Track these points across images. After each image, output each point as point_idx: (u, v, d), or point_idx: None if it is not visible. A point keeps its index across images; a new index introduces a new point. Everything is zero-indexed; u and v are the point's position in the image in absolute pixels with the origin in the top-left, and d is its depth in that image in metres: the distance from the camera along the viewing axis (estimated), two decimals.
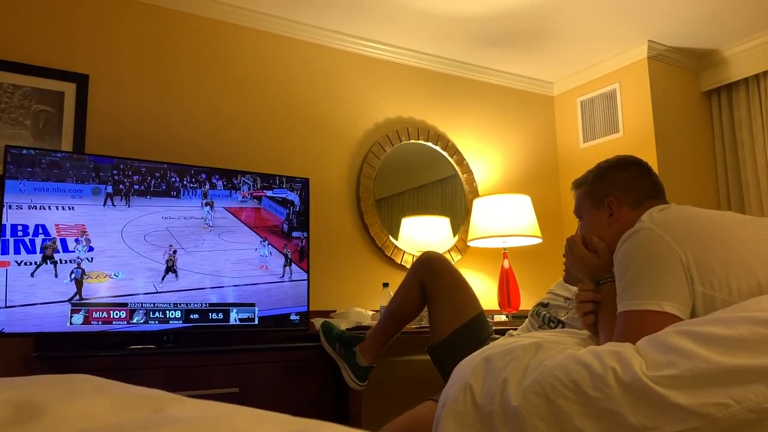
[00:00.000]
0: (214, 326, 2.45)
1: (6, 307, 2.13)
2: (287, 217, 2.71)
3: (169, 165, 2.50)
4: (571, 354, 1.16)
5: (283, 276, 2.64)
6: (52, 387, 0.75)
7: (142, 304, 2.33)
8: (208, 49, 2.98)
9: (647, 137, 3.52)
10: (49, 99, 2.56)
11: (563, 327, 1.73)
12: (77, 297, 2.23)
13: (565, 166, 4.01)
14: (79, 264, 2.25)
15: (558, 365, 1.15)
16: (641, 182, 1.48)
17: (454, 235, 3.48)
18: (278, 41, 3.17)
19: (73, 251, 2.26)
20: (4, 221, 2.17)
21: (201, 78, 2.94)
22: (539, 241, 3.33)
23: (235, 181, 2.62)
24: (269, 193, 2.69)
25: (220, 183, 2.58)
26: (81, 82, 2.62)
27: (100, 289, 2.28)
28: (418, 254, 2.27)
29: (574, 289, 1.57)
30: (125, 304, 2.30)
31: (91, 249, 2.29)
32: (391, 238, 3.30)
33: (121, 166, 2.39)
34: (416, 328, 2.60)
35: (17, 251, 2.17)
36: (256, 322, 2.54)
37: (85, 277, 2.26)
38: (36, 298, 2.17)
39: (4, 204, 2.19)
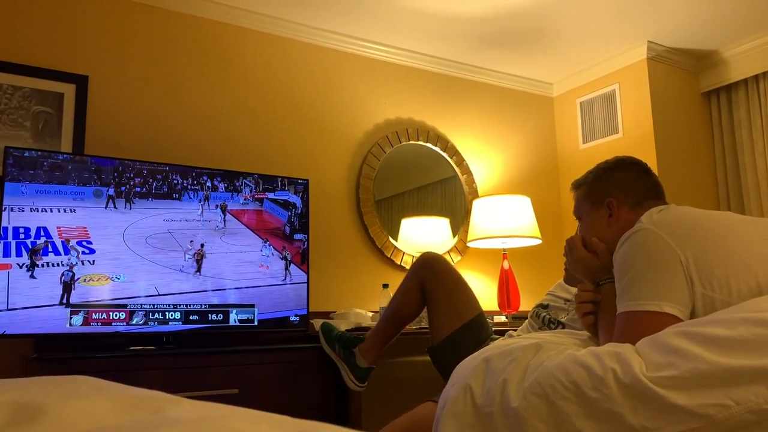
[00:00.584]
0: (214, 327, 2.45)
1: (8, 309, 2.12)
2: (289, 219, 2.71)
3: (171, 167, 2.49)
4: (571, 355, 1.16)
5: (284, 279, 2.63)
6: (51, 388, 0.75)
7: (141, 305, 2.33)
8: (207, 50, 2.98)
9: (647, 138, 3.52)
10: (48, 100, 2.56)
11: (563, 328, 1.73)
12: (65, 300, 2.20)
13: (564, 167, 4.01)
14: (71, 267, 2.23)
15: (558, 366, 1.15)
16: (641, 183, 1.48)
17: (454, 236, 3.48)
18: (278, 42, 3.17)
19: (68, 254, 2.24)
20: (5, 224, 2.16)
21: (200, 79, 2.94)
22: (539, 242, 3.33)
23: (237, 183, 2.61)
24: (271, 195, 2.68)
25: (221, 185, 2.57)
26: (81, 83, 2.62)
27: (100, 291, 2.27)
28: (418, 255, 2.27)
29: (574, 290, 1.57)
30: (125, 305, 2.30)
31: (92, 251, 2.28)
32: (390, 239, 3.30)
33: (121, 168, 2.38)
34: (416, 328, 2.60)
35: (19, 254, 2.17)
36: (256, 323, 2.54)
37: (85, 279, 2.24)
38: (37, 301, 2.17)
39: (4, 206, 2.18)
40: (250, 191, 2.63)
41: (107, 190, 2.34)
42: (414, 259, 2.71)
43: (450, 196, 3.59)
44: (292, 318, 2.62)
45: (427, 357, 2.09)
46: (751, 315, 1.07)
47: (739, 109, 3.63)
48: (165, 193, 2.46)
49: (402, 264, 3.28)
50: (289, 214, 2.71)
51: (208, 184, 2.54)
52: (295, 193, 2.74)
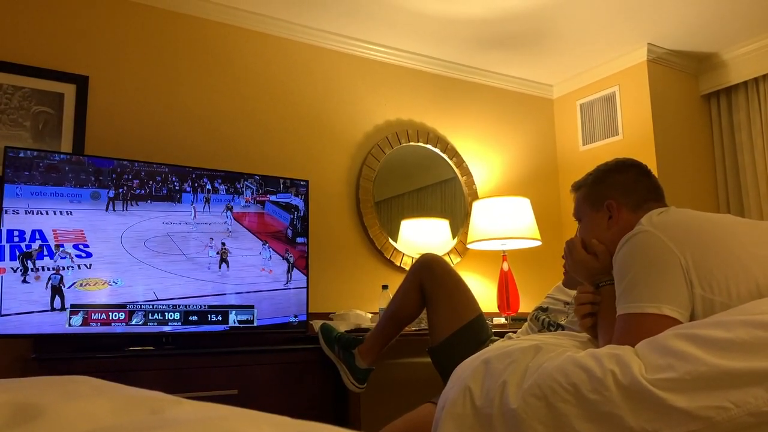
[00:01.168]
0: (213, 328, 2.45)
1: (1, 315, 2.08)
2: (291, 222, 2.68)
3: (170, 168, 2.47)
4: (570, 357, 1.16)
5: (287, 283, 2.62)
6: (50, 388, 0.75)
7: (141, 305, 2.32)
8: (208, 50, 2.98)
9: (647, 140, 3.52)
10: (48, 100, 2.56)
11: (563, 331, 1.73)
12: (58, 305, 2.16)
13: (564, 169, 4.01)
14: (57, 270, 2.18)
15: (557, 368, 1.15)
16: (640, 185, 1.48)
17: (454, 238, 3.48)
18: (278, 43, 3.17)
19: (63, 258, 2.20)
20: (2, 226, 2.13)
21: (201, 80, 2.94)
22: (538, 243, 3.33)
23: (238, 185, 2.59)
24: (273, 197, 2.65)
25: (222, 187, 2.54)
26: (81, 83, 2.62)
27: (97, 297, 2.23)
28: (418, 256, 2.27)
29: (573, 293, 1.57)
30: (124, 306, 2.29)
31: (89, 255, 2.24)
32: (390, 240, 3.30)
33: (119, 170, 2.36)
34: (415, 330, 2.60)
35: (13, 258, 2.13)
36: (255, 324, 2.53)
37: (81, 284, 2.21)
38: (30, 306, 2.12)
39: (3, 208, 2.15)
40: (252, 193, 2.61)
41: (107, 193, 2.31)
42: (414, 261, 2.70)
43: (450, 197, 3.59)
44: (291, 318, 2.61)
45: (427, 358, 2.09)
46: (751, 317, 1.07)
47: (739, 112, 3.64)
48: (164, 195, 2.43)
49: (402, 265, 3.28)
50: (292, 216, 2.68)
51: (208, 186, 2.52)
52: (297, 196, 2.71)
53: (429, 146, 3.52)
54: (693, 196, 3.61)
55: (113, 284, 2.27)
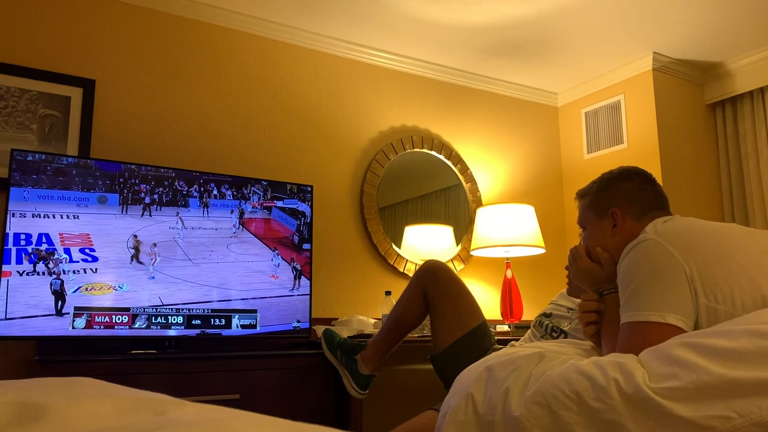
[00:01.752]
0: (216, 332, 2.45)
1: (6, 318, 2.09)
2: (298, 228, 2.67)
3: (178, 173, 2.46)
4: (574, 365, 1.16)
5: (293, 289, 2.61)
6: (54, 389, 0.75)
7: (144, 308, 2.32)
8: (214, 55, 2.99)
9: (651, 149, 3.52)
10: (55, 103, 2.57)
11: (566, 337, 1.73)
12: (60, 308, 2.15)
13: (569, 177, 4.01)
14: (58, 275, 2.17)
15: (560, 376, 1.14)
16: (645, 193, 1.48)
17: (457, 244, 3.48)
18: (285, 49, 3.18)
19: (75, 261, 2.20)
20: (7, 229, 2.14)
21: (206, 84, 2.95)
22: (542, 251, 3.32)
23: (245, 191, 2.58)
24: (280, 203, 2.64)
25: (229, 192, 2.54)
26: (87, 86, 2.64)
27: (102, 302, 2.23)
28: (421, 263, 2.27)
29: (577, 300, 1.57)
30: (127, 309, 2.29)
31: (95, 259, 2.24)
32: (394, 246, 3.30)
33: (126, 174, 2.36)
34: (418, 336, 2.60)
35: (19, 261, 2.13)
36: (258, 329, 2.53)
37: (87, 289, 2.21)
38: (36, 310, 2.12)
39: (9, 211, 2.15)
40: (259, 199, 2.61)
41: (118, 197, 2.31)
42: (417, 267, 2.70)
43: (454, 204, 3.59)
44: (294, 323, 2.61)
45: (429, 365, 2.09)
46: (755, 327, 1.06)
47: (744, 121, 3.63)
48: (171, 200, 2.43)
49: (405, 271, 3.28)
50: (298, 223, 2.68)
51: (215, 192, 2.52)
52: (304, 202, 2.71)
53: (433, 153, 3.52)
54: (698, 205, 3.61)
55: (118, 289, 2.27)
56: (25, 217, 2.17)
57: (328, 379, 2.42)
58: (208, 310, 2.44)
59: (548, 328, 1.82)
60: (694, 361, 1.04)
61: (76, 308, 2.20)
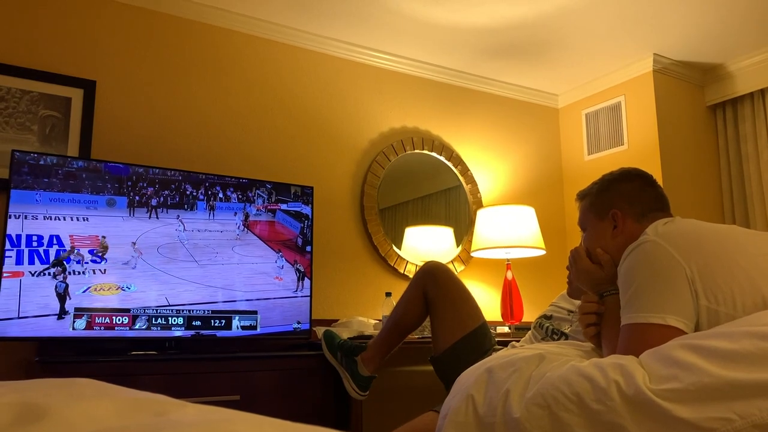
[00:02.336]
0: (211, 333, 2.45)
1: (19, 317, 2.11)
2: (301, 231, 2.69)
3: (184, 176, 2.48)
4: (574, 366, 1.16)
5: (296, 290, 2.63)
6: (55, 390, 0.75)
7: (144, 309, 2.32)
8: (214, 57, 2.99)
9: (652, 150, 3.52)
10: (56, 104, 2.57)
11: (566, 339, 1.72)
12: (61, 311, 2.16)
13: (569, 178, 4.01)
14: (64, 278, 2.19)
15: (561, 377, 1.14)
16: (646, 195, 1.48)
17: (458, 246, 3.48)
18: (286, 50, 3.19)
19: (79, 263, 2.21)
20: (10, 231, 2.14)
21: (207, 85, 2.95)
22: (543, 252, 3.32)
23: (250, 194, 2.60)
24: (284, 206, 2.66)
25: (234, 195, 2.56)
26: (88, 87, 2.64)
27: (110, 302, 2.25)
28: (421, 264, 2.27)
29: (578, 301, 1.57)
30: (128, 310, 2.29)
31: (103, 260, 2.27)
32: (394, 247, 3.30)
33: (134, 178, 2.37)
34: (418, 338, 2.60)
35: (31, 261, 2.15)
36: (258, 330, 2.53)
37: (96, 289, 2.22)
38: (42, 310, 2.15)
39: (9, 214, 2.16)
40: (263, 201, 2.62)
41: (126, 199, 2.33)
42: (417, 268, 2.70)
43: (454, 205, 3.59)
44: (294, 324, 2.61)
45: (430, 366, 2.09)
46: (755, 329, 1.06)
47: (745, 123, 3.63)
48: (177, 202, 2.45)
49: (405, 273, 3.28)
50: (302, 225, 2.69)
51: (221, 194, 2.53)
52: (307, 204, 2.73)
53: (434, 154, 3.52)
54: (698, 207, 3.61)
55: (126, 290, 2.30)
56: (27, 218, 2.18)
57: (328, 380, 2.42)
58: (209, 311, 2.44)
59: (548, 330, 1.81)
60: (695, 363, 1.04)
61: (76, 309, 2.20)
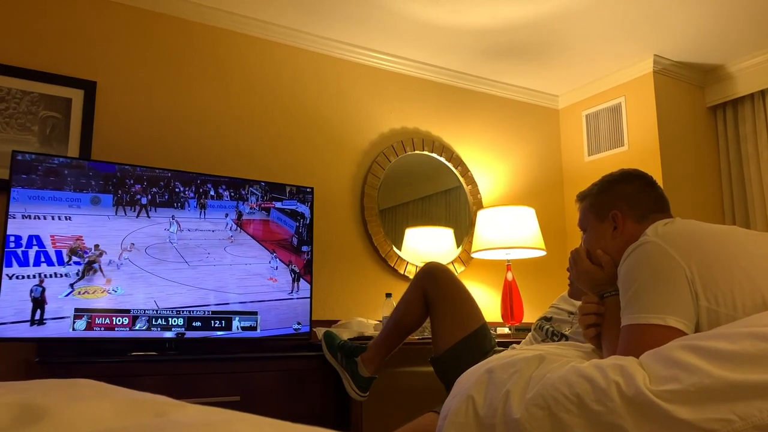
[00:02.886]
0: (216, 334, 2.44)
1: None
2: (297, 230, 2.63)
3: (174, 174, 2.45)
4: (574, 367, 1.16)
5: (291, 292, 2.59)
6: (54, 391, 0.75)
7: (144, 310, 2.31)
8: (214, 57, 3.00)
9: (652, 151, 3.52)
10: (56, 105, 2.58)
11: (567, 341, 1.72)
12: (37, 317, 2.08)
13: (569, 179, 4.01)
14: (41, 281, 2.09)
15: (561, 378, 1.14)
16: (646, 196, 1.48)
17: (458, 247, 3.48)
18: (285, 51, 3.19)
19: (62, 264, 2.13)
20: (10, 231, 2.11)
21: (208, 86, 2.95)
22: (543, 253, 3.32)
23: (243, 192, 2.55)
24: (278, 204, 2.61)
25: (226, 193, 2.50)
26: (89, 88, 2.64)
27: (96, 306, 2.19)
28: (422, 265, 2.27)
29: (578, 303, 1.57)
30: (128, 310, 2.29)
31: (84, 262, 2.19)
32: (394, 248, 3.29)
33: (120, 175, 2.33)
34: (419, 339, 2.60)
35: (8, 264, 2.09)
36: (258, 331, 2.53)
37: (80, 292, 2.16)
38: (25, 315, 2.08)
39: (10, 213, 2.13)
40: (257, 200, 2.57)
41: (113, 197, 2.27)
42: (417, 269, 2.70)
43: (454, 206, 3.59)
44: (294, 325, 2.61)
45: (430, 367, 2.09)
46: (756, 329, 1.06)
47: (745, 124, 3.63)
48: (167, 201, 2.39)
49: (405, 273, 3.28)
50: (297, 224, 2.63)
51: (212, 192, 2.49)
52: (303, 202, 2.68)
53: (434, 155, 3.52)
54: (698, 208, 3.60)
55: (112, 292, 2.24)
56: (15, 218, 2.12)
57: (328, 381, 2.41)
58: (208, 312, 2.43)
59: (549, 332, 1.82)
60: (695, 364, 1.04)
61: (76, 310, 2.19)
